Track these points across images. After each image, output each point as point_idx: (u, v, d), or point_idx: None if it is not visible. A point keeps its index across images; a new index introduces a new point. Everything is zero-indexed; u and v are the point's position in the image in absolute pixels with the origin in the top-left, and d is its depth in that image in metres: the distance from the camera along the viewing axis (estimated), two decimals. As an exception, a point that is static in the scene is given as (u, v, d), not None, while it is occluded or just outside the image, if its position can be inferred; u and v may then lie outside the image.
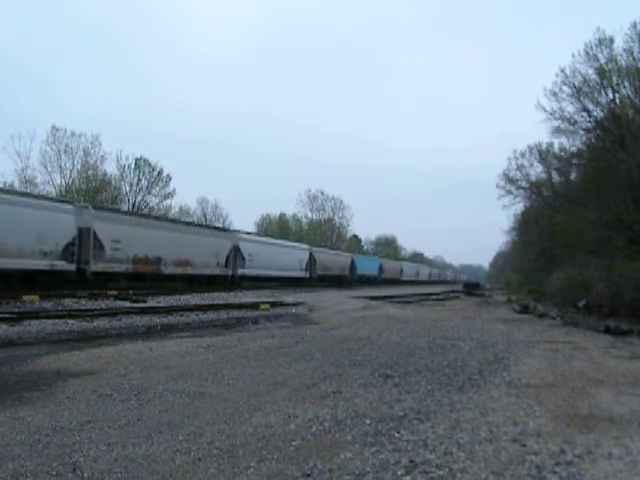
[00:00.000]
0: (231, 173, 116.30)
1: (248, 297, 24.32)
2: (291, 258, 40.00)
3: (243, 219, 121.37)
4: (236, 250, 32.23)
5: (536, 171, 37.74)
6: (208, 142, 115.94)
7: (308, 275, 42.79)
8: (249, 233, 42.85)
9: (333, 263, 48.47)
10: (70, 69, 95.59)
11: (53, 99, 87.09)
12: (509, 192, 38.27)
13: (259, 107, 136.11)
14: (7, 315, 12.05)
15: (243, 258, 32.86)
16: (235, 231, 37.41)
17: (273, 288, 34.40)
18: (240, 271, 32.57)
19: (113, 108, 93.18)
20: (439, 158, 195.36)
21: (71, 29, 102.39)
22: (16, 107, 75.15)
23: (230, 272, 31.59)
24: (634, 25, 22.84)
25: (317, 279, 44.63)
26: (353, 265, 52.61)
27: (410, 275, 74.97)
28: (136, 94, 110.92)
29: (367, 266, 56.35)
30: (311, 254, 43.75)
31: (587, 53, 24.42)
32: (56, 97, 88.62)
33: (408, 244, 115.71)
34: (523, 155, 37.46)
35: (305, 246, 45.29)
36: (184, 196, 56.66)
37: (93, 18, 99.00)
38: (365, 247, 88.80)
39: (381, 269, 60.65)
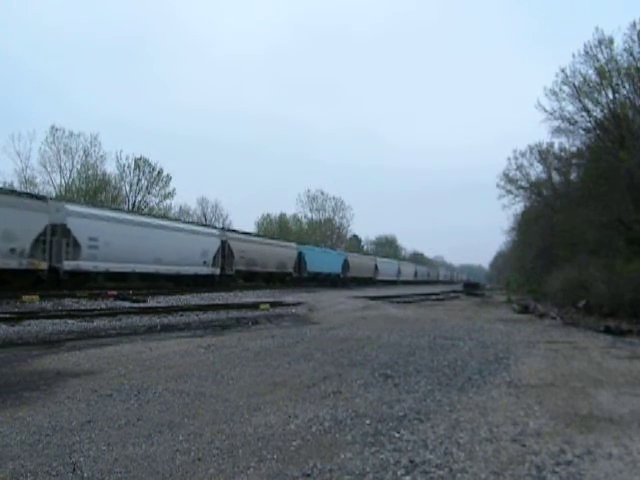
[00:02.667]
0: (231, 173, 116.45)
1: (248, 297, 24.35)
2: (186, 247, 27.29)
3: (244, 219, 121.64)
4: (61, 231, 20.65)
5: (536, 171, 37.80)
6: (209, 142, 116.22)
7: (218, 272, 30.59)
8: (92, 204, 28.92)
9: (265, 256, 36.07)
10: (72, 68, 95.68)
11: (55, 98, 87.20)
12: (509, 192, 38.31)
13: (259, 107, 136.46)
14: (7, 315, 12.06)
15: (77, 244, 21.10)
16: (59, 201, 24.22)
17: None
18: (70, 264, 20.79)
19: (113, 107, 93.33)
20: (440, 158, 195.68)
21: (74, 28, 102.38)
22: (17, 107, 75.18)
23: (45, 265, 19.70)
24: (634, 25, 22.84)
25: (238, 276, 33.79)
26: (301, 260, 41.80)
27: (388, 274, 63.39)
28: (136, 93, 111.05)
29: (324, 261, 45.53)
30: (224, 243, 31.48)
31: (587, 53, 24.43)
32: (58, 96, 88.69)
33: (408, 244, 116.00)
34: (523, 155, 37.51)
35: (214, 231, 32.59)
36: (184, 196, 56.69)
37: (98, 17, 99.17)
38: (365, 247, 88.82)
39: (346, 266, 49.87)
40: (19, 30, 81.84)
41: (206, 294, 24.45)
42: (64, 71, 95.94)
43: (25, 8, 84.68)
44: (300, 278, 41.70)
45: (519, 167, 37.82)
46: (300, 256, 42.05)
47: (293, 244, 44.16)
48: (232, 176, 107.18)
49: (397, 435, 4.31)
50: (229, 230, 36.82)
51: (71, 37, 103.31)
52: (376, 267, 58.85)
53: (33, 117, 75.38)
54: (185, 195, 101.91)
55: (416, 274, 78.81)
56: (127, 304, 17.41)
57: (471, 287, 54.59)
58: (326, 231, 74.06)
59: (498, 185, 38.41)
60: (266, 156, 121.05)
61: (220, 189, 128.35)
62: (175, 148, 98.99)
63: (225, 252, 31.34)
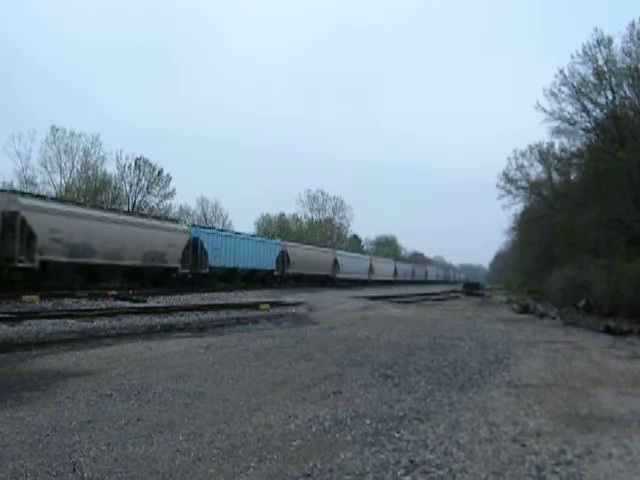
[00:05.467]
0: (231, 173, 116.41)
1: (248, 297, 24.35)
2: None
3: (243, 219, 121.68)
4: None
5: (536, 171, 37.71)
6: (209, 142, 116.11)
7: None
8: None
9: (116, 241, 22.13)
10: (74, 67, 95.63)
11: (56, 97, 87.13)
12: (509, 192, 38.20)
13: (260, 107, 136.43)
14: (7, 315, 12.05)
15: None
16: None
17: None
18: None
19: (114, 107, 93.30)
20: (440, 158, 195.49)
21: (77, 25, 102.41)
22: (19, 106, 75.11)
23: None
24: (633, 25, 22.84)
25: (56, 271, 20.41)
26: (198, 249, 28.10)
27: (354, 272, 51.33)
28: (136, 93, 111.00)
29: (242, 253, 32.34)
30: (15, 215, 18.00)
31: (586, 54, 24.39)
32: (59, 95, 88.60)
33: (408, 244, 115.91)
34: (523, 155, 37.44)
35: None
36: (184, 196, 56.52)
37: (100, 17, 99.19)
38: (365, 247, 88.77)
39: (284, 260, 37.56)
40: (19, 29, 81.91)
41: (206, 294, 24.43)
42: (65, 70, 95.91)
43: (25, 7, 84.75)
44: (196, 275, 28.21)
45: (519, 167, 37.77)
46: (196, 243, 28.01)
47: (181, 226, 29.55)
48: (232, 176, 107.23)
49: (397, 435, 4.31)
50: (26, 194, 21.71)
51: (73, 36, 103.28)
52: (336, 263, 46.87)
53: (34, 117, 75.41)
54: (185, 195, 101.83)
55: (396, 273, 66.72)
56: (127, 304, 17.41)
57: (471, 287, 54.51)
58: (326, 231, 74.10)
59: (498, 185, 38.34)
60: (266, 156, 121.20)
61: (220, 189, 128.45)
62: (175, 148, 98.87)
63: (16, 231, 17.96)
